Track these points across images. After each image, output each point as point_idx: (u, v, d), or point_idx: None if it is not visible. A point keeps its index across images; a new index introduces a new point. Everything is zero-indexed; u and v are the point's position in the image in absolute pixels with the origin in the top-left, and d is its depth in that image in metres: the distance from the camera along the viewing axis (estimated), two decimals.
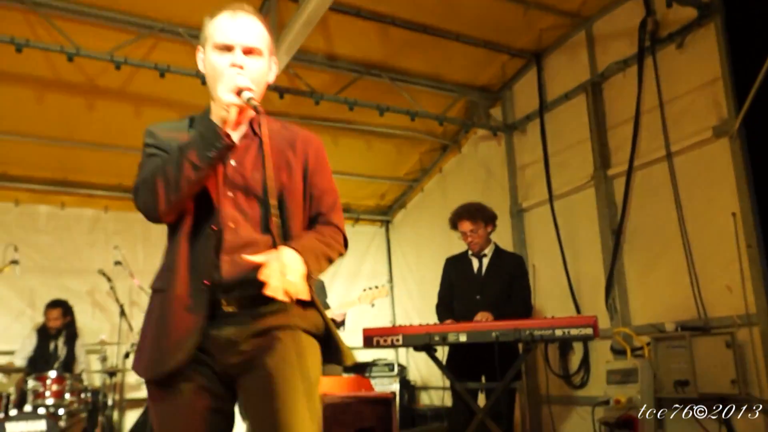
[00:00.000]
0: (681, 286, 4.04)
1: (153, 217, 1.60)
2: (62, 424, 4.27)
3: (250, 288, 1.52)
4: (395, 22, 4.92)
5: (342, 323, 4.58)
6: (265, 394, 1.51)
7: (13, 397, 4.56)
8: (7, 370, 4.80)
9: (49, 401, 4.37)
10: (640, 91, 4.50)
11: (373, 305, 4.63)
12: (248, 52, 1.62)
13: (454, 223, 4.04)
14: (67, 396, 4.46)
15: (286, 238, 1.59)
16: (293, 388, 1.51)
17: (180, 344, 1.52)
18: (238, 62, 1.59)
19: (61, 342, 5.19)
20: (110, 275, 5.38)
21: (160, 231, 1.66)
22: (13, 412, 4.17)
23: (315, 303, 1.65)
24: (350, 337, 5.88)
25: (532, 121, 5.60)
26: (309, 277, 1.53)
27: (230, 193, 1.61)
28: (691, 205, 4.10)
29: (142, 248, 6.17)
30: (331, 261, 1.68)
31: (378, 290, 4.57)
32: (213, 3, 1.68)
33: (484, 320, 3.57)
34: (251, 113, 1.66)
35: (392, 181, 7.17)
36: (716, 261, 3.89)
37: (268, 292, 1.44)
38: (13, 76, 4.74)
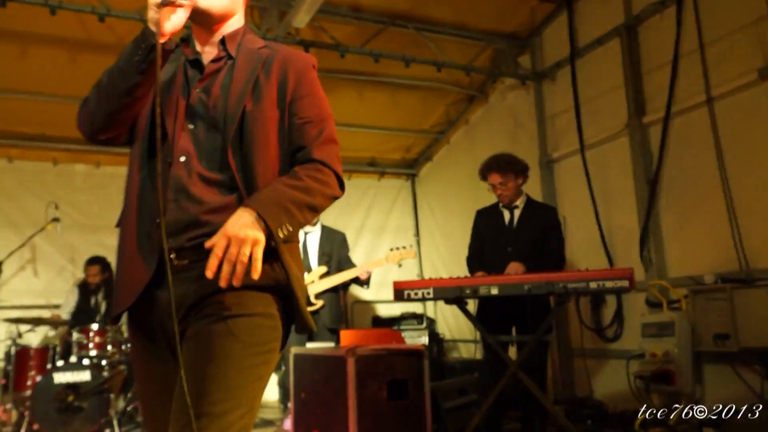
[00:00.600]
0: (721, 237, 3.93)
1: (86, 131, 1.45)
2: (105, 374, 4.43)
3: (199, 234, 1.32)
4: None
5: (366, 281, 4.61)
6: (195, 356, 1.29)
7: (58, 349, 4.75)
8: (54, 322, 4.97)
9: (93, 353, 4.52)
10: (678, 33, 4.30)
11: (400, 266, 4.64)
12: None
13: (484, 175, 3.97)
14: (109, 348, 4.61)
15: (247, 177, 1.36)
16: (226, 350, 1.29)
17: (129, 291, 1.37)
18: None
19: (100, 296, 5.34)
20: None
21: None
22: (59, 363, 4.33)
23: (282, 261, 1.38)
24: (377, 292, 6.01)
25: (562, 68, 5.42)
26: (272, 239, 1.29)
27: (190, 125, 1.40)
28: (733, 153, 3.95)
29: None
30: (314, 209, 1.39)
31: (405, 251, 4.58)
32: None
33: (515, 272, 3.54)
34: (221, 35, 1.47)
35: (418, 133, 7.07)
36: (760, 211, 3.77)
37: (214, 278, 1.23)
38: (48, 39, 4.78)
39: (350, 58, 5.15)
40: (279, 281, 1.38)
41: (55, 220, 5.23)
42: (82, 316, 5.16)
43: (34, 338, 5.23)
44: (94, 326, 4.62)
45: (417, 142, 7.29)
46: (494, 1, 5.23)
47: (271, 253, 1.34)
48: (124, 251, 1.41)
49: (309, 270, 4.55)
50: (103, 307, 5.32)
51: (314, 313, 4.44)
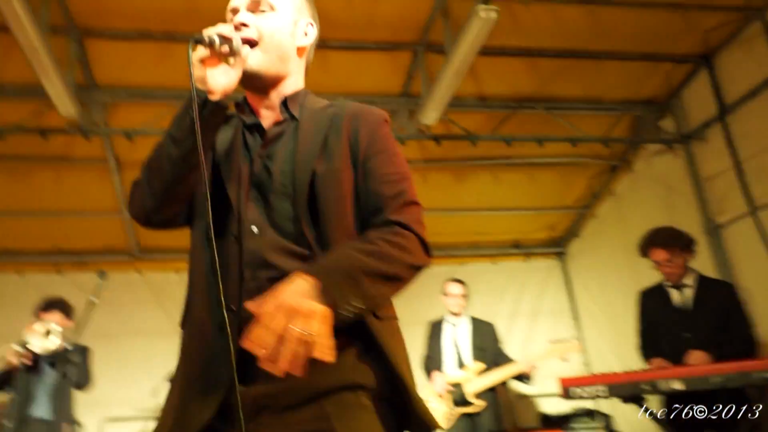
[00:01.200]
0: None
1: (140, 215, 1.29)
2: None
3: None
4: (543, 53, 4.79)
5: (530, 377, 4.37)
6: None
7: None
8: None
9: None
10: None
11: (564, 360, 4.34)
12: (254, 8, 1.33)
13: (645, 251, 3.68)
14: None
15: (323, 246, 1.18)
16: None
17: (205, 398, 1.11)
18: (237, 21, 1.29)
19: None
20: None
21: None
22: None
23: (379, 346, 1.14)
24: (539, 384, 5.61)
25: (711, 127, 5.04)
26: (338, 313, 1.04)
27: (256, 192, 1.25)
28: None
29: None
30: (391, 280, 1.15)
31: (569, 344, 4.31)
32: None
33: (698, 362, 3.17)
34: (279, 97, 1.34)
35: (561, 210, 6.84)
36: None
37: (262, 365, 0.97)
38: None
39: (483, 144, 5.20)
40: (383, 377, 1.14)
41: None
42: None
43: None
44: None
45: (561, 219, 7.04)
46: (624, 71, 5.08)
47: (363, 334, 1.14)
48: (191, 352, 1.20)
49: (462, 366, 4.43)
50: None
51: (474, 415, 4.26)
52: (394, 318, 1.27)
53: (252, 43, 1.28)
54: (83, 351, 4.27)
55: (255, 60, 1.28)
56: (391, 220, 1.22)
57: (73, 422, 4.22)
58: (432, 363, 4.56)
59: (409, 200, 1.26)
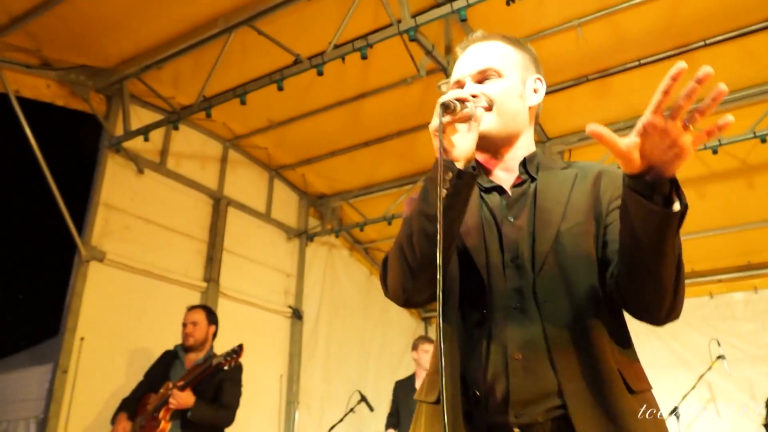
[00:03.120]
0: None
1: (399, 297, 1.21)
2: None
3: (551, 409, 1.07)
4: None
5: None
6: None
7: None
8: None
9: None
10: None
11: None
12: (481, 78, 1.30)
13: None
14: None
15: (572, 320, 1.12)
16: None
17: None
18: (468, 92, 1.21)
19: None
20: None
21: None
22: None
23: None
24: None
25: None
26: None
27: (509, 259, 1.20)
28: None
29: None
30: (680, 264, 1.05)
31: None
32: None
33: None
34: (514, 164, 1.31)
35: None
36: None
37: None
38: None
39: None
40: None
41: (720, 357, 5.16)
42: None
43: None
44: None
45: None
46: None
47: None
48: None
49: None
50: None
51: None
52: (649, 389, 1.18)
53: (486, 109, 1.27)
54: None
55: (490, 121, 1.27)
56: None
57: None
58: None
59: None
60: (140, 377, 3.80)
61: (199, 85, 4.30)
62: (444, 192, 1.08)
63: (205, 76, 4.24)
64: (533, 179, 1.30)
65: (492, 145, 1.32)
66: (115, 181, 4.57)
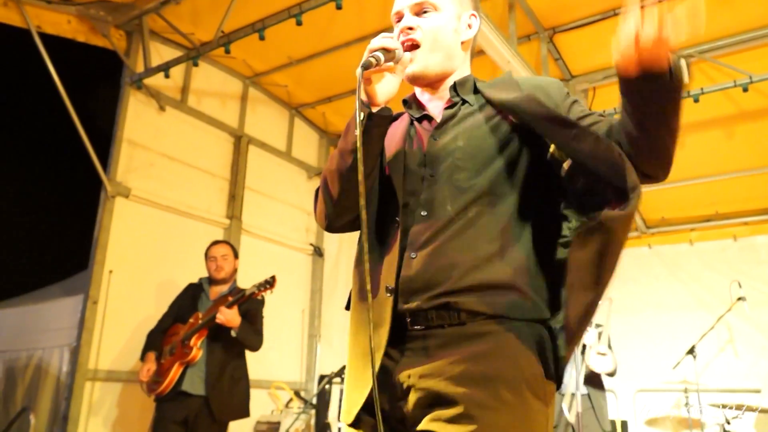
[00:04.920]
0: None
1: (322, 222, 1.40)
2: None
3: (441, 292, 1.21)
4: None
5: None
6: None
7: None
8: None
9: None
10: None
11: None
12: (418, 10, 1.37)
13: None
14: None
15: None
16: None
17: (359, 385, 1.29)
18: (403, 25, 1.35)
19: None
20: None
21: None
22: None
23: None
24: None
25: None
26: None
27: (427, 171, 1.30)
28: None
29: None
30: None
31: None
32: None
33: None
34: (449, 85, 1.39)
35: None
36: None
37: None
38: (697, 125, 4.99)
39: None
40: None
41: (740, 299, 5.14)
42: None
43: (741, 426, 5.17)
44: None
45: None
46: None
47: None
48: (353, 332, 1.39)
49: None
50: None
51: None
52: None
53: (415, 46, 1.35)
54: None
55: (419, 62, 1.35)
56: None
57: None
58: None
59: None
60: (165, 308, 3.94)
61: (217, 20, 4.26)
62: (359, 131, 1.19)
63: (223, 11, 4.19)
64: (465, 102, 1.38)
65: (425, 82, 1.40)
66: (138, 118, 4.61)
